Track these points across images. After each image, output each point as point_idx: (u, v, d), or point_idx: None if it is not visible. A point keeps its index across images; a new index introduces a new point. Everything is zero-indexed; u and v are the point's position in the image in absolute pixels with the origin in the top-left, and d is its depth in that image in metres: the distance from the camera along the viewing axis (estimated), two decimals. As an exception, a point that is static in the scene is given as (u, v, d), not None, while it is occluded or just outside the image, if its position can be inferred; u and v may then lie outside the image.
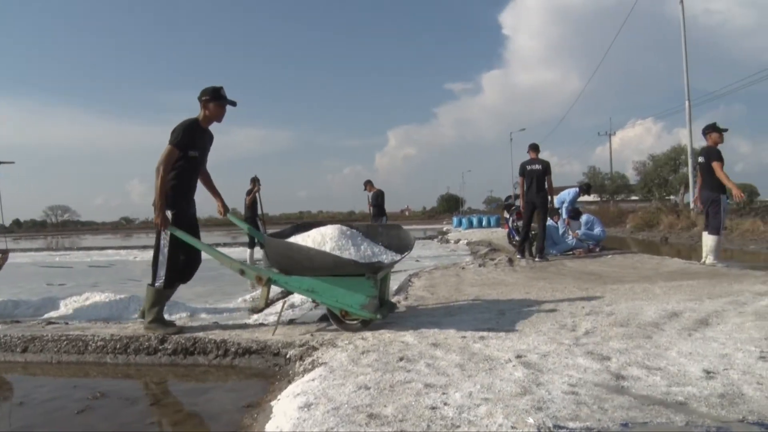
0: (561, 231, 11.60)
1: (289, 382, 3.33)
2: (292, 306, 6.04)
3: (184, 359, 4.26)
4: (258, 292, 7.14)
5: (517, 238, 11.64)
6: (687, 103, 24.73)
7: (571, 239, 11.48)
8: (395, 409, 2.57)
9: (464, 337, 3.93)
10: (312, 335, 4.26)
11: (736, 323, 4.15)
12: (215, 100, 4.81)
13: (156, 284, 4.75)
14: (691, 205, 21.75)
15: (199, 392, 3.73)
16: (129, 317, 5.98)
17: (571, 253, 11.27)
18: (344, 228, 4.65)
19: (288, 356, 3.94)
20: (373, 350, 3.67)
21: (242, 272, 4.56)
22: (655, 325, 4.18)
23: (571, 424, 2.34)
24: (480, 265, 9.54)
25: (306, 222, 5.20)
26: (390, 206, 15.57)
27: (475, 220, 35.97)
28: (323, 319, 4.88)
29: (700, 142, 8.94)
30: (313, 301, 5.39)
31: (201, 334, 4.49)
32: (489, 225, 34.39)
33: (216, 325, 5.07)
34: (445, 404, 2.61)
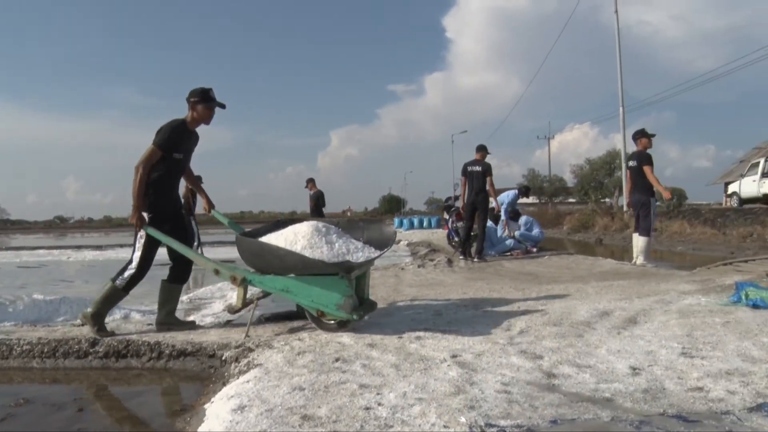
0: (500, 232, 11.79)
1: (224, 384, 3.28)
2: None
3: (116, 362, 4.15)
4: (199, 291, 7.04)
5: (456, 239, 11.77)
6: (621, 109, 25.51)
7: (509, 240, 11.68)
8: (329, 410, 2.57)
9: (401, 337, 3.95)
10: (248, 336, 4.21)
11: (662, 321, 4.30)
12: (204, 102, 4.71)
13: (116, 282, 4.66)
14: (625, 208, 22.45)
15: (131, 396, 3.64)
16: (58, 320, 5.78)
17: (509, 253, 11.47)
18: (320, 225, 4.50)
19: (223, 358, 3.88)
20: (309, 351, 3.65)
21: (217, 272, 4.43)
22: (586, 324, 4.29)
23: (502, 422, 2.38)
24: (419, 266, 9.61)
25: (284, 219, 5.10)
26: (332, 206, 15.58)
27: (416, 221, 36.28)
28: (260, 320, 4.84)
29: (633, 147, 9.24)
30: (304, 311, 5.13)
31: (134, 337, 4.38)
32: (430, 226, 34.72)
33: (151, 327, 4.95)
34: (379, 404, 2.62)
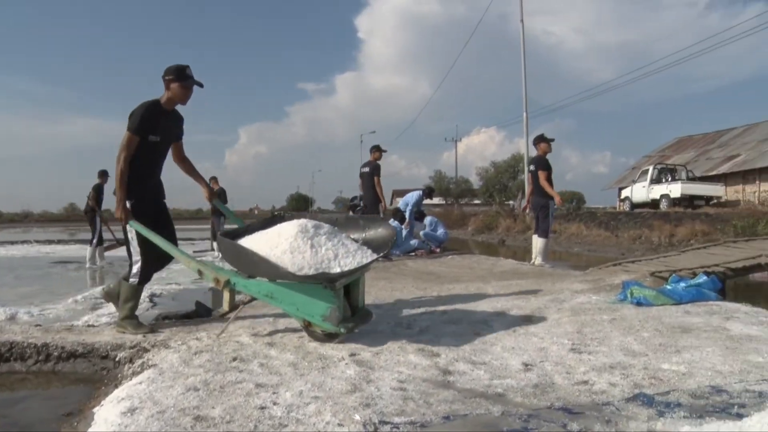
0: (404, 232, 11.94)
1: (116, 387, 3.17)
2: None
3: (-3, 367, 3.91)
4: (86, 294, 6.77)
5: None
6: (525, 114, 26.37)
7: (413, 240, 11.84)
8: (223, 411, 2.53)
9: (301, 336, 3.93)
10: (145, 336, 4.08)
11: (555, 319, 4.50)
12: (179, 80, 4.32)
13: (130, 280, 4.40)
14: (519, 210, 23.28)
15: (13, 402, 3.43)
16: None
17: (413, 253, 11.63)
18: (309, 225, 3.98)
19: (117, 359, 3.75)
20: (206, 351, 3.58)
21: (200, 273, 4.08)
22: (484, 322, 4.42)
23: (396, 419, 2.42)
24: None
25: (279, 214, 4.71)
26: (239, 204, 15.42)
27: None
28: (158, 319, 4.71)
29: (535, 152, 9.59)
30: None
31: (19, 338, 4.14)
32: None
33: (39, 328, 4.69)
34: (275, 404, 2.61)
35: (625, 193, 29.00)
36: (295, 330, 4.11)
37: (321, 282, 3.59)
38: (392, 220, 11.88)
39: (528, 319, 4.51)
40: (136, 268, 4.36)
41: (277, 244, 3.79)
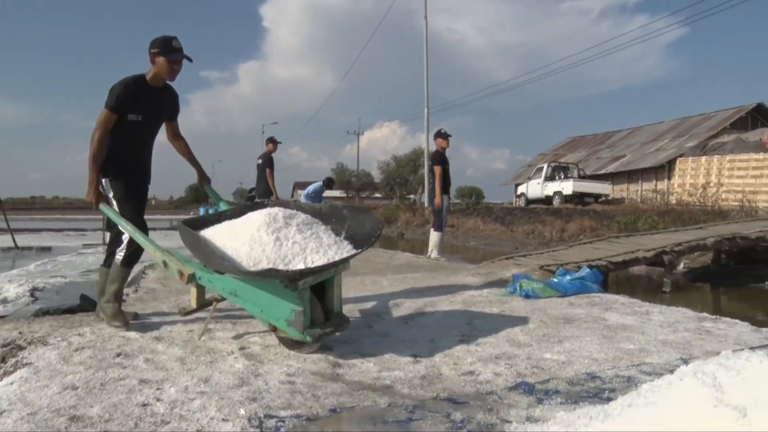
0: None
1: (-16, 388, 2.97)
2: (5, 301, 5.41)
3: None
4: None
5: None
6: (426, 110, 26.81)
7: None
8: (102, 409, 2.42)
9: (190, 330, 3.83)
10: (21, 333, 3.84)
11: (446, 311, 4.61)
12: (165, 53, 3.92)
13: (115, 259, 4.04)
14: (419, 203, 23.71)
15: None
16: None
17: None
18: (280, 214, 3.54)
19: (-13, 358, 3.51)
20: (89, 347, 3.42)
21: (165, 264, 3.63)
22: (377, 314, 4.46)
23: (282, 413, 2.40)
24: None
25: (260, 202, 4.31)
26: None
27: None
28: (37, 314, 4.46)
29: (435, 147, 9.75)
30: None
31: None
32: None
33: None
34: (158, 400, 2.53)
35: (521, 189, 30.06)
36: (185, 324, 4.00)
37: (282, 281, 3.15)
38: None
39: (420, 312, 4.59)
40: (122, 245, 4.01)
41: (239, 234, 3.43)
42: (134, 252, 4.00)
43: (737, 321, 4.54)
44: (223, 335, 3.71)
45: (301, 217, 3.65)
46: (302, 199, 11.98)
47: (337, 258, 3.36)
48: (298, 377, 2.88)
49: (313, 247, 3.38)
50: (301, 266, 3.20)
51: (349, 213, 3.91)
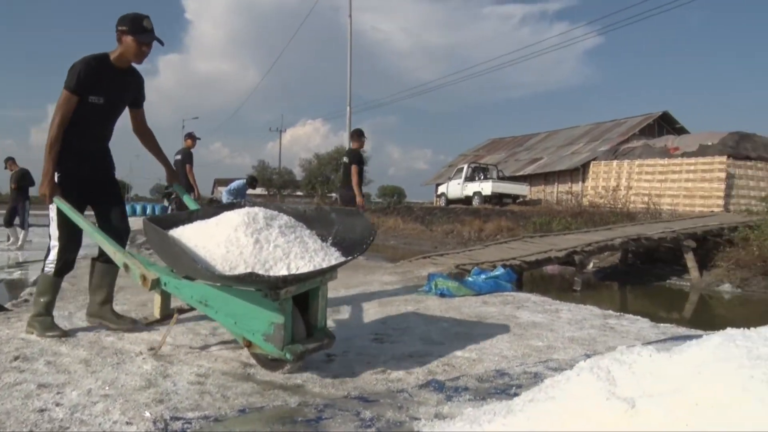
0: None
1: None
2: None
3: None
4: None
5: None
6: (348, 108, 26.80)
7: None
8: (-5, 416, 2.31)
9: (97, 331, 3.70)
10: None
11: (363, 309, 4.62)
12: (135, 33, 3.51)
13: (45, 269, 3.62)
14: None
15: None
16: None
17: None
18: (261, 215, 3.17)
19: None
20: (-17, 350, 3.25)
21: (126, 267, 3.25)
22: (293, 313, 4.43)
23: (189, 414, 2.35)
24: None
25: (236, 203, 3.95)
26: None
27: (138, 208, 34.71)
28: None
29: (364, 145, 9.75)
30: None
31: None
32: (154, 213, 33.31)
33: None
34: (58, 405, 2.42)
35: (441, 189, 30.49)
36: (91, 324, 3.85)
37: (261, 289, 2.78)
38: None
39: (336, 311, 4.59)
40: (52, 255, 3.61)
41: (213, 235, 3.04)
42: (67, 262, 3.64)
43: (639, 318, 4.76)
44: (133, 336, 3.60)
45: (284, 219, 3.29)
46: (224, 197, 11.74)
47: (324, 265, 2.99)
48: (208, 378, 2.83)
49: (297, 252, 3.01)
50: (284, 272, 2.84)
51: (336, 217, 3.48)
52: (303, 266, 2.91)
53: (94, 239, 3.48)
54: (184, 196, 4.22)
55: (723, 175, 20.73)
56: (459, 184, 27.54)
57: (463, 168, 28.62)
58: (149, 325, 3.58)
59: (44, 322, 3.60)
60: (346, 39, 26.49)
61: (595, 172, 25.92)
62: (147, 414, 2.33)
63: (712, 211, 18.82)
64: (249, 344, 2.91)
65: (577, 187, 26.92)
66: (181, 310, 3.42)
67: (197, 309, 3.14)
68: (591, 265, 12.05)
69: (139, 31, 3.53)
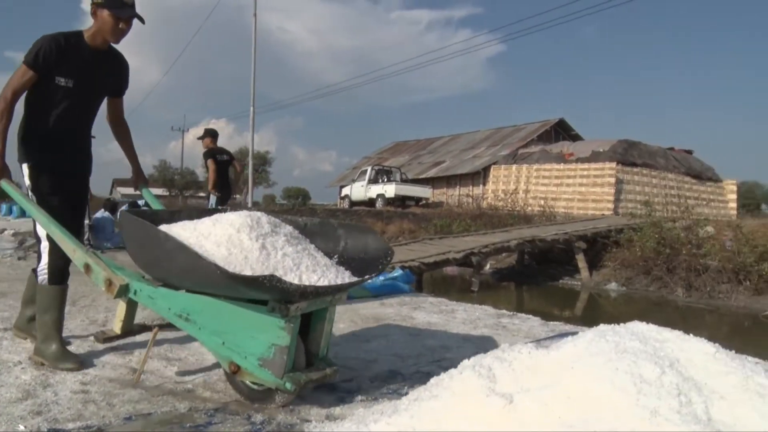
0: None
1: None
2: None
3: None
4: None
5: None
6: (252, 108, 26.43)
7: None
8: None
9: (-28, 340, 3.48)
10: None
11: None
12: (112, 7, 3.03)
13: (38, 279, 3.08)
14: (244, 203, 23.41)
15: None
16: None
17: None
18: (264, 219, 2.78)
19: None
20: None
21: (87, 268, 2.82)
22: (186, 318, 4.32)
23: (71, 425, 2.26)
24: (19, 258, 8.65)
25: (221, 209, 3.52)
26: None
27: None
28: None
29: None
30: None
31: None
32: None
33: None
34: None
35: (345, 191, 30.58)
36: (-35, 333, 3.62)
37: (267, 300, 2.36)
38: (102, 210, 11.17)
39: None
40: (43, 259, 3.08)
41: (211, 234, 2.61)
42: (60, 262, 3.07)
43: (530, 316, 4.95)
44: (11, 345, 3.40)
45: (288, 228, 2.91)
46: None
47: (340, 282, 2.60)
48: (92, 386, 2.72)
49: (308, 265, 2.63)
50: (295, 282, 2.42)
51: (344, 232, 3.05)
52: (316, 280, 2.54)
53: (49, 231, 2.97)
54: (151, 199, 3.76)
55: (613, 180, 21.89)
56: (363, 186, 27.69)
57: (366, 170, 28.80)
58: (106, 341, 3.03)
59: (55, 349, 3.01)
60: (251, 38, 26.10)
61: (495, 175, 26.74)
62: (21, 427, 2.21)
63: (603, 214, 19.86)
64: (236, 370, 2.43)
65: (478, 190, 27.67)
66: (161, 328, 2.94)
67: (176, 325, 2.63)
68: (488, 266, 12.41)
69: (118, 5, 3.07)
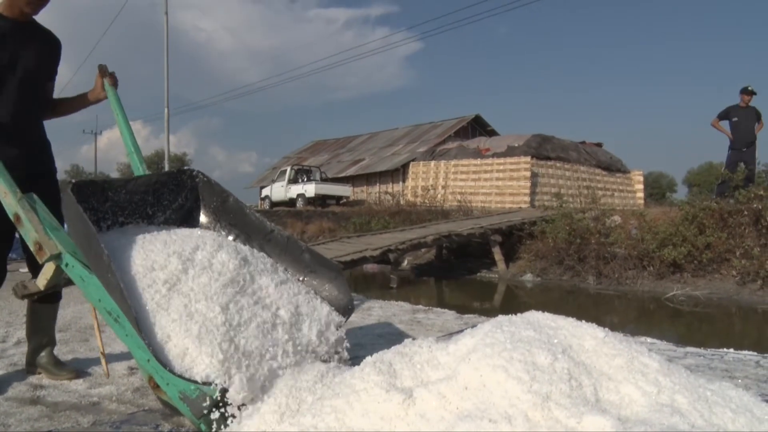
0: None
1: None
2: None
3: None
4: None
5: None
6: (166, 110, 25.71)
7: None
8: None
9: None
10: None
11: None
12: None
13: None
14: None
15: None
16: None
17: (33, 257, 10.54)
18: (245, 271, 2.39)
19: None
20: None
21: (17, 219, 2.45)
22: (90, 327, 4.18)
23: (-40, 447, 2.15)
24: None
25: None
26: None
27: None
28: None
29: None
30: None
31: None
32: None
33: None
34: None
35: (265, 191, 30.23)
36: None
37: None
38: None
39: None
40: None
41: (186, 267, 2.28)
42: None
43: (445, 311, 5.04)
44: None
45: (260, 264, 2.50)
46: None
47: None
48: (-12, 405, 2.59)
49: (286, 350, 2.19)
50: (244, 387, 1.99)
51: (310, 260, 2.65)
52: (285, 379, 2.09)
53: None
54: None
55: (528, 174, 22.48)
56: (282, 186, 27.44)
57: (286, 170, 28.56)
58: (25, 298, 2.63)
59: (48, 358, 3.02)
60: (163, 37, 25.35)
61: (414, 172, 27.01)
62: None
63: (520, 207, 20.40)
64: (155, 387, 2.07)
65: (398, 187, 27.88)
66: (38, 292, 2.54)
67: (105, 320, 2.26)
68: (406, 262, 12.53)
69: None
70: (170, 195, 2.83)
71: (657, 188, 49.46)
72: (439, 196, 21.09)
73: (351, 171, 32.60)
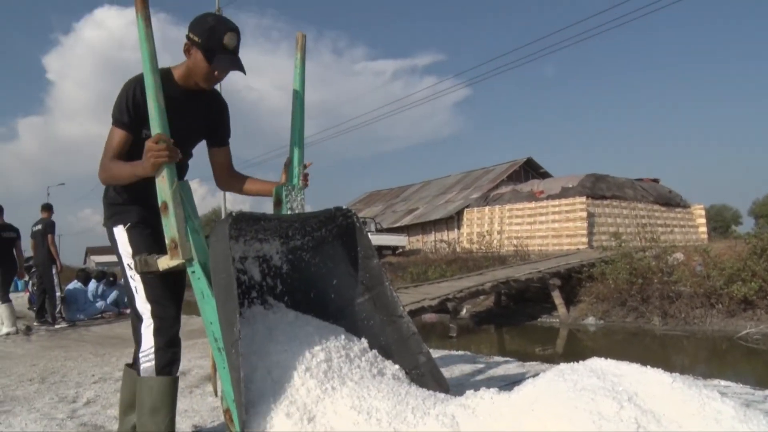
0: (90, 294, 11.10)
1: None
2: None
3: None
4: None
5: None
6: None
7: (99, 302, 11.06)
8: None
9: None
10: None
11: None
12: (206, 50, 2.39)
13: (141, 369, 2.31)
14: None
15: None
16: None
17: (100, 316, 10.86)
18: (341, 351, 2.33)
19: None
20: None
21: (164, 207, 2.29)
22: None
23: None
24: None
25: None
26: None
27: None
28: None
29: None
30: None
31: None
32: (16, 289, 30.96)
33: None
34: None
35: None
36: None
37: None
38: (75, 281, 11.02)
39: (207, 378, 4.46)
40: (147, 342, 2.33)
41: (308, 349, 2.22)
42: (171, 346, 2.35)
43: (508, 358, 4.95)
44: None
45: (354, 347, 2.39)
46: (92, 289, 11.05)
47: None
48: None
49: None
50: None
51: (424, 364, 2.55)
52: None
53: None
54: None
55: (584, 214, 22.17)
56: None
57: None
58: (143, 274, 2.37)
59: None
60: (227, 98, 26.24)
61: (468, 218, 26.94)
62: None
63: (578, 249, 20.05)
64: (230, 420, 1.96)
65: (453, 235, 27.81)
66: None
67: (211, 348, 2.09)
68: (464, 310, 12.41)
69: (215, 48, 2.41)
70: (316, 224, 2.68)
71: (720, 221, 47.93)
72: (495, 241, 20.93)
73: (406, 220, 32.73)
